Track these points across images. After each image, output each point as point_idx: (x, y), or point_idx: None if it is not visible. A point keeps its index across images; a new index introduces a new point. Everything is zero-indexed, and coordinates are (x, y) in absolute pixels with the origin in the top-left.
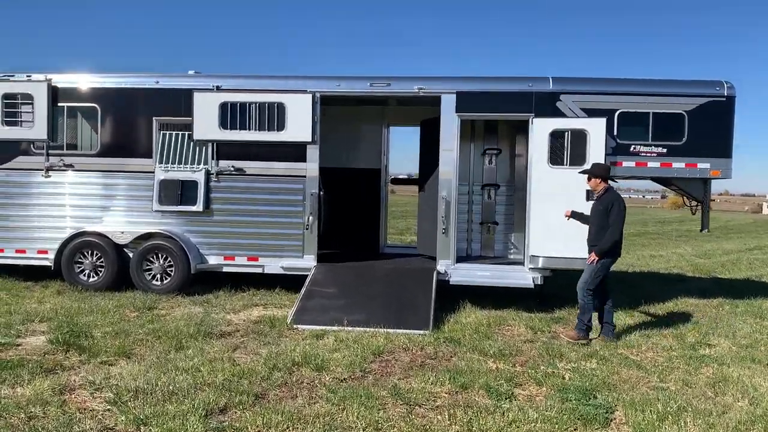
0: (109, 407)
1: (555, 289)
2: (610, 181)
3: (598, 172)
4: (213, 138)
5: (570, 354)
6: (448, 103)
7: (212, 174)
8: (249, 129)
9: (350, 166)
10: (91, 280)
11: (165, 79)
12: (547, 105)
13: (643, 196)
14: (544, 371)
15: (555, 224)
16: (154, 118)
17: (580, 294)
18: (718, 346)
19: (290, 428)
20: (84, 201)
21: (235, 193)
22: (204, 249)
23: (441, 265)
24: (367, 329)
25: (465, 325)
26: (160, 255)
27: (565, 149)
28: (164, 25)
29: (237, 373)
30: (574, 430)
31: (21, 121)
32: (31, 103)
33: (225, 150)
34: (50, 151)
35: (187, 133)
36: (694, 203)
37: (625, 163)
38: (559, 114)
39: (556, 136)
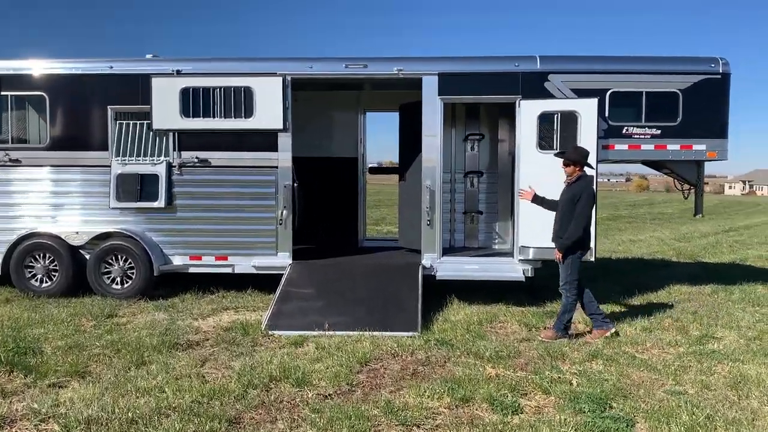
0: None
1: (545, 280)
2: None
3: (575, 157)
4: (174, 127)
5: (572, 354)
6: (430, 85)
7: (174, 166)
8: (214, 116)
9: (325, 155)
10: (43, 285)
11: (120, 63)
12: (535, 86)
13: (608, 180)
14: (548, 376)
15: (546, 213)
16: (108, 106)
17: (565, 293)
18: (725, 339)
19: None
20: (34, 199)
21: (200, 186)
22: (168, 248)
23: (426, 259)
24: (351, 333)
25: (455, 323)
26: (119, 256)
27: (555, 133)
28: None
29: (207, 393)
30: None
31: None
32: None
33: (188, 140)
34: None
35: (145, 122)
36: (686, 187)
37: (617, 146)
38: (547, 95)
39: (545, 119)
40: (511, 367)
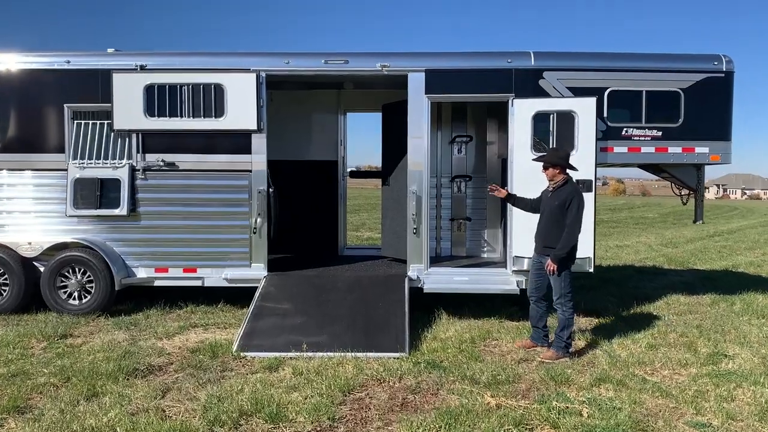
0: None
1: None
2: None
3: (555, 161)
4: (138, 127)
5: (577, 378)
6: (416, 82)
7: (138, 170)
8: (181, 116)
9: (303, 158)
10: None
11: (78, 58)
12: (529, 84)
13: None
14: (556, 407)
15: None
16: (65, 105)
17: (561, 308)
18: (738, 357)
19: None
20: None
21: (166, 192)
22: (131, 260)
23: (412, 270)
24: (332, 355)
25: (445, 341)
26: (77, 269)
27: (551, 134)
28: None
29: None
30: None
31: None
32: None
33: (153, 142)
34: None
35: (106, 122)
36: (684, 192)
37: (616, 149)
38: (542, 94)
39: (540, 119)
40: (512, 395)
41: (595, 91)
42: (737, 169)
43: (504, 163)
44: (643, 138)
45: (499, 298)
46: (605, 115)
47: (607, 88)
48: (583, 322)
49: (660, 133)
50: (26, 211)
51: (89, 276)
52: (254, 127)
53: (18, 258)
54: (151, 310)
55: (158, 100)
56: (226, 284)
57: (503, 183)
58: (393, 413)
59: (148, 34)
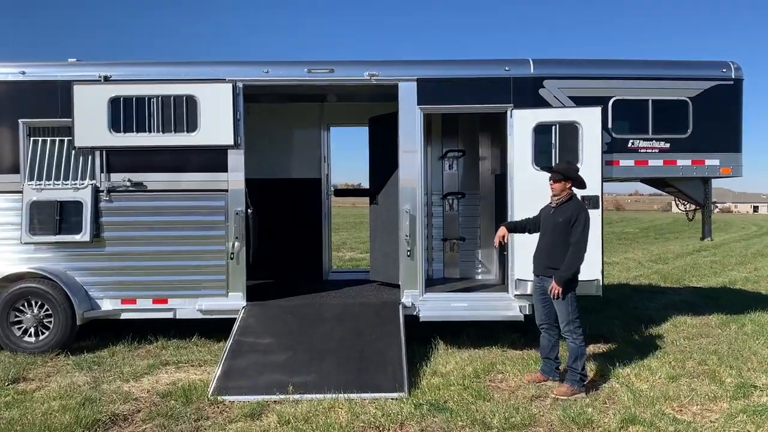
0: None
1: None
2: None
3: (571, 174)
4: (101, 144)
5: (599, 418)
6: (407, 92)
7: (102, 192)
8: (150, 131)
9: (284, 176)
10: None
11: (34, 68)
12: (529, 93)
13: None
14: None
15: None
16: (20, 120)
17: (570, 335)
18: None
19: None
20: None
21: (133, 215)
22: (95, 291)
23: (406, 297)
24: (321, 397)
25: (446, 376)
26: (33, 302)
27: (553, 147)
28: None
29: None
30: None
31: None
32: None
33: (118, 160)
34: None
35: (66, 138)
36: (690, 207)
37: (622, 162)
38: (543, 104)
39: (542, 131)
40: None
41: (599, 101)
42: (715, 182)
43: (498, 179)
44: (650, 150)
45: (499, 323)
46: (610, 126)
47: (612, 97)
48: (590, 348)
49: (668, 145)
50: None
51: (47, 310)
52: (231, 142)
53: None
54: (118, 345)
55: (124, 114)
56: (200, 316)
57: (497, 200)
58: None
59: (111, 43)
